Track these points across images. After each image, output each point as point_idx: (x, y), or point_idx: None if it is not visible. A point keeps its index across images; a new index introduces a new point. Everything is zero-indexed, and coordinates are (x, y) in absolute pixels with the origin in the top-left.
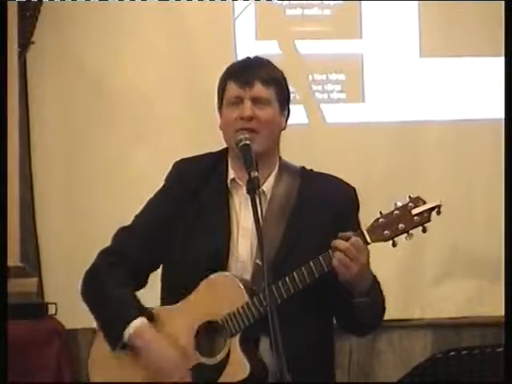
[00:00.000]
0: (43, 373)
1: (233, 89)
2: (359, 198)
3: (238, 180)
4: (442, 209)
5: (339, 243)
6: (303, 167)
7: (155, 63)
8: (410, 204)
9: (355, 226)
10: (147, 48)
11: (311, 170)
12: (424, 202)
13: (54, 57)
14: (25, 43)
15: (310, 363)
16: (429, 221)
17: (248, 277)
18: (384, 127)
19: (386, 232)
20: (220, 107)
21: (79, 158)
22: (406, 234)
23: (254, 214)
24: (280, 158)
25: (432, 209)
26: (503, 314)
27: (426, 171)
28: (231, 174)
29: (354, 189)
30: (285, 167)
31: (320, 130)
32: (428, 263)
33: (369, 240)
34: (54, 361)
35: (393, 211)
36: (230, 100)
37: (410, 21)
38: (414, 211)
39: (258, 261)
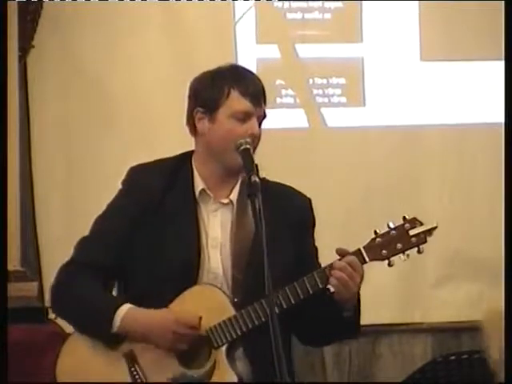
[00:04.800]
0: (43, 377)
1: (242, 103)
2: (359, 198)
3: (208, 191)
4: (443, 212)
5: (338, 263)
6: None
7: (155, 66)
8: (407, 225)
9: (310, 237)
10: (147, 51)
11: (263, 178)
12: (420, 223)
13: (55, 60)
14: (25, 47)
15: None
16: (425, 242)
17: (223, 288)
18: (385, 131)
19: (383, 251)
20: (212, 111)
21: (80, 160)
22: (402, 254)
23: (254, 219)
24: None
25: (429, 231)
26: None
27: (427, 175)
28: (200, 184)
29: (309, 199)
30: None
31: (320, 134)
32: (428, 267)
33: (367, 259)
34: (54, 365)
35: (389, 231)
36: (238, 114)
37: (410, 24)
38: (412, 232)
39: (236, 273)
